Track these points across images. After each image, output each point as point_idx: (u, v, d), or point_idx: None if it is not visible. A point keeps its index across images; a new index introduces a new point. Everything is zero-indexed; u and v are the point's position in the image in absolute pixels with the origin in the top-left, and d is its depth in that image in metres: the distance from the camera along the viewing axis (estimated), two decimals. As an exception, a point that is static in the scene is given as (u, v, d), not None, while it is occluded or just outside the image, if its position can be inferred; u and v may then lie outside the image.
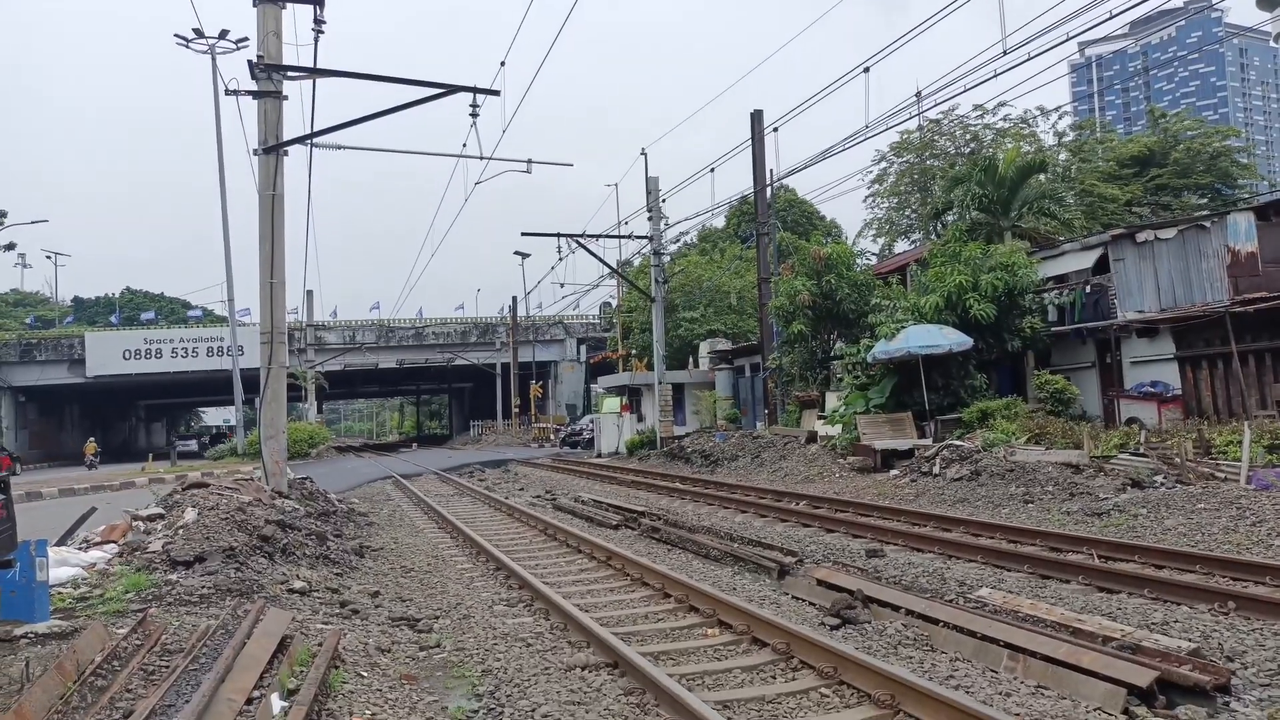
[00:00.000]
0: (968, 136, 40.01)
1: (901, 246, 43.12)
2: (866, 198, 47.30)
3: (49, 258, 77.88)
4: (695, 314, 40.60)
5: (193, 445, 52.36)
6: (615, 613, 7.81)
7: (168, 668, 5.22)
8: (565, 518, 15.00)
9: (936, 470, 15.36)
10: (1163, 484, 11.87)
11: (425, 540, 13.21)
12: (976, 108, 38.97)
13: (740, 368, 33.24)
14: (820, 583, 8.12)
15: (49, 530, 9.39)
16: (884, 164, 43.51)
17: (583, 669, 6.07)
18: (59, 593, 7.14)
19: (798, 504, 14.53)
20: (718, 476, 21.10)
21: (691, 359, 38.14)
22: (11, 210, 51.15)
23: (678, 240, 34.68)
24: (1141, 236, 18.97)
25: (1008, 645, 5.80)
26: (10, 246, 54.23)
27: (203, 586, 7.46)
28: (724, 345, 35.79)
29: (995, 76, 13.85)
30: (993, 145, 38.11)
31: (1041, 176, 25.84)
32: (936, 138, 41.03)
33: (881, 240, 47.96)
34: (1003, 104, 38.01)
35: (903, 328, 19.49)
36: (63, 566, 7.77)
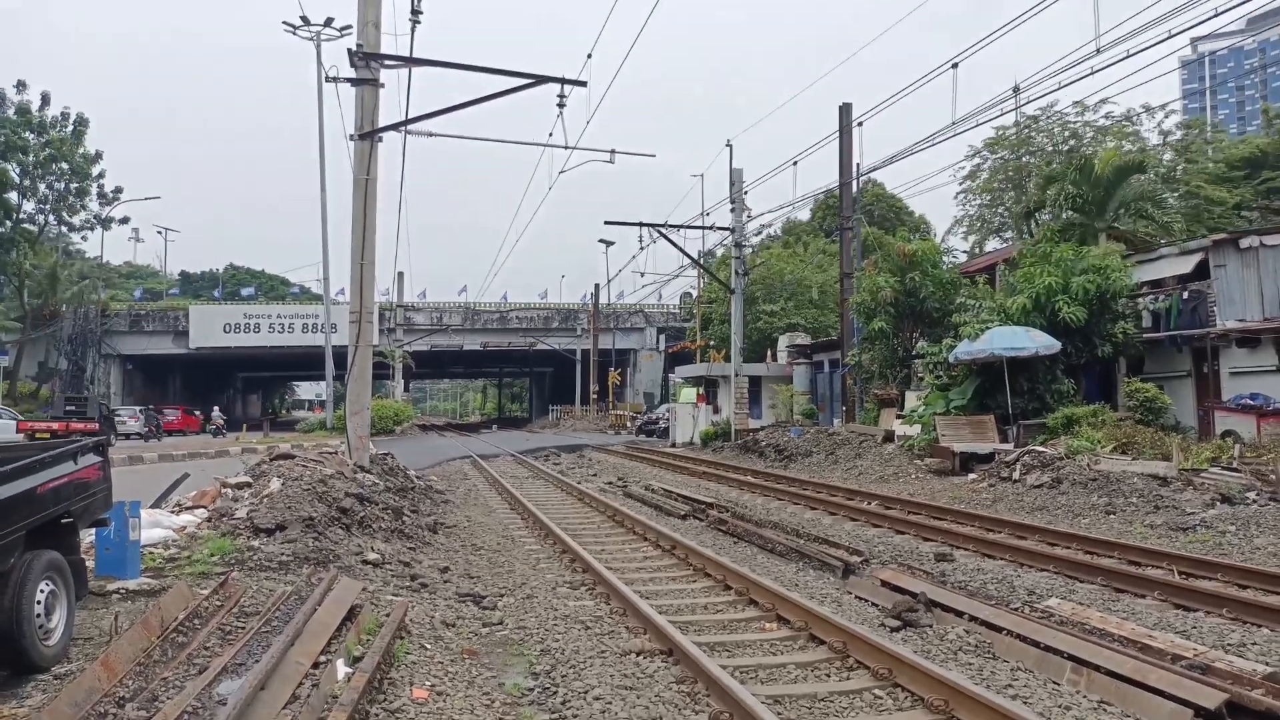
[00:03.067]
0: (1066, 134, 38.48)
1: (993, 245, 41.80)
2: (958, 194, 46.05)
3: (160, 233, 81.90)
4: (775, 307, 40.22)
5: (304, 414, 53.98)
6: (675, 601, 7.87)
7: (243, 629, 5.50)
8: (634, 505, 15.12)
9: (1016, 476, 14.92)
10: (1255, 501, 11.27)
11: (497, 520, 13.50)
12: (1076, 104, 37.43)
13: (819, 363, 32.82)
14: (884, 584, 8.04)
15: (145, 493, 9.95)
16: (977, 160, 42.24)
17: (638, 655, 6.14)
18: (150, 552, 7.57)
19: (869, 503, 14.33)
20: (790, 472, 20.93)
21: (770, 352, 37.81)
22: (127, 186, 53.82)
23: (760, 232, 34.48)
24: (1246, 242, 17.95)
25: (1071, 657, 5.63)
26: (125, 221, 57.16)
27: (282, 553, 7.80)
28: (803, 339, 35.37)
29: (1091, 74, 13.28)
30: (1093, 143, 36.56)
31: (1141, 177, 24.70)
32: (1033, 134, 39.60)
33: (972, 238, 46.58)
34: (1104, 100, 36.38)
35: (987, 328, 18.95)
36: (155, 528, 8.22)
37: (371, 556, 8.56)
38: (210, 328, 56.38)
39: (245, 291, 69.75)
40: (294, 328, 57.50)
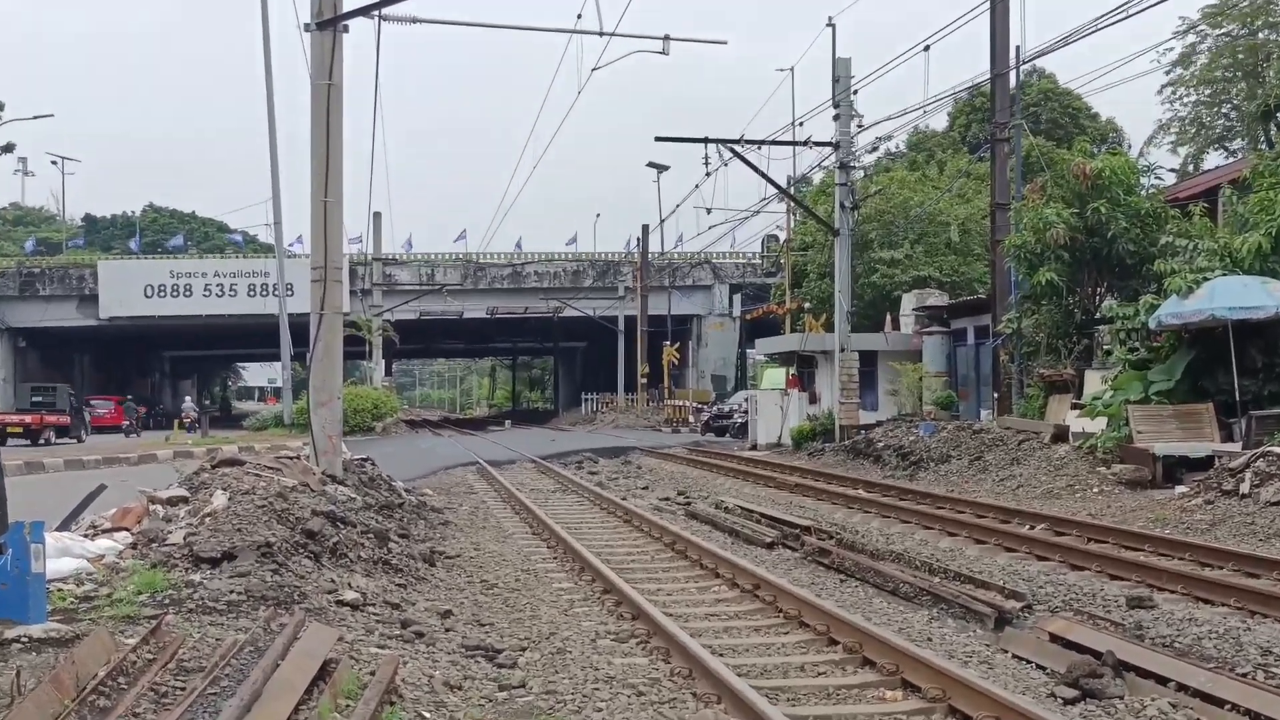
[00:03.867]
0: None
1: (1215, 160, 40.92)
2: (1163, 88, 45.09)
3: (55, 163, 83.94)
4: (898, 254, 39.87)
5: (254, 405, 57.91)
6: (759, 659, 7.97)
7: (183, 689, 5.71)
8: (701, 529, 15.29)
9: (1246, 489, 14.73)
10: None
11: (514, 548, 13.82)
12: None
13: (959, 331, 32.50)
14: (1055, 638, 8.06)
15: (50, 511, 10.30)
16: (1192, 38, 41.29)
17: (711, 731, 6.26)
18: (59, 589, 7.87)
19: (1032, 527, 14.34)
20: (919, 484, 20.97)
21: (889, 317, 37.56)
22: (11, 103, 54.81)
23: (876, 148, 34.01)
24: None
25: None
26: (9, 149, 58.47)
27: (231, 591, 8.06)
28: (937, 299, 35.01)
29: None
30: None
31: None
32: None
33: (1184, 150, 45.66)
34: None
35: (1206, 279, 18.65)
36: (64, 557, 8.53)
37: (349, 595, 8.81)
38: (127, 291, 57.68)
39: (172, 242, 71.28)
40: (237, 289, 58.68)
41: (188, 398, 50.23)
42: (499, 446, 37.37)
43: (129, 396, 52.40)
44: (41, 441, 37.14)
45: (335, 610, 8.34)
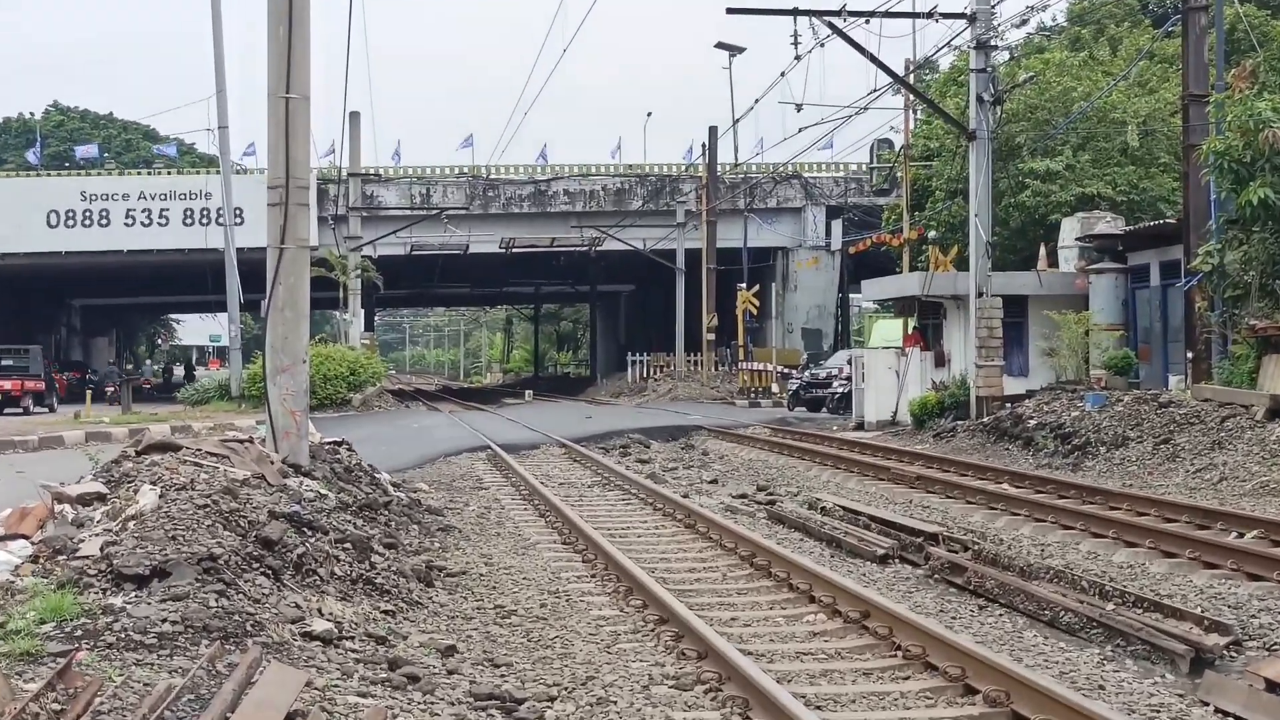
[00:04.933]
0: None
1: None
2: None
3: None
4: (1055, 164, 39.36)
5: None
6: (871, 714, 7.95)
7: (102, 750, 5.74)
8: (789, 537, 15.32)
9: None
10: None
11: (538, 562, 13.79)
12: None
13: (1140, 269, 32.15)
14: (1273, 686, 7.99)
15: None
16: None
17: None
18: (-63, 616, 7.94)
19: (1241, 535, 14.17)
20: (1085, 476, 20.82)
21: (1044, 250, 37.21)
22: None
23: (1025, 20, 33.47)
24: None
25: None
26: None
27: (163, 619, 8.07)
28: (1109, 225, 34.62)
29: None
30: None
31: None
32: None
33: None
34: None
35: None
36: (-56, 573, 8.62)
37: (320, 626, 8.82)
38: (23, 218, 57.94)
39: (82, 152, 71.49)
40: (170, 216, 58.86)
41: (148, 361, 52.70)
42: (517, 425, 37.49)
43: (113, 361, 56.38)
44: (19, 410, 42.73)
45: (302, 645, 8.37)
